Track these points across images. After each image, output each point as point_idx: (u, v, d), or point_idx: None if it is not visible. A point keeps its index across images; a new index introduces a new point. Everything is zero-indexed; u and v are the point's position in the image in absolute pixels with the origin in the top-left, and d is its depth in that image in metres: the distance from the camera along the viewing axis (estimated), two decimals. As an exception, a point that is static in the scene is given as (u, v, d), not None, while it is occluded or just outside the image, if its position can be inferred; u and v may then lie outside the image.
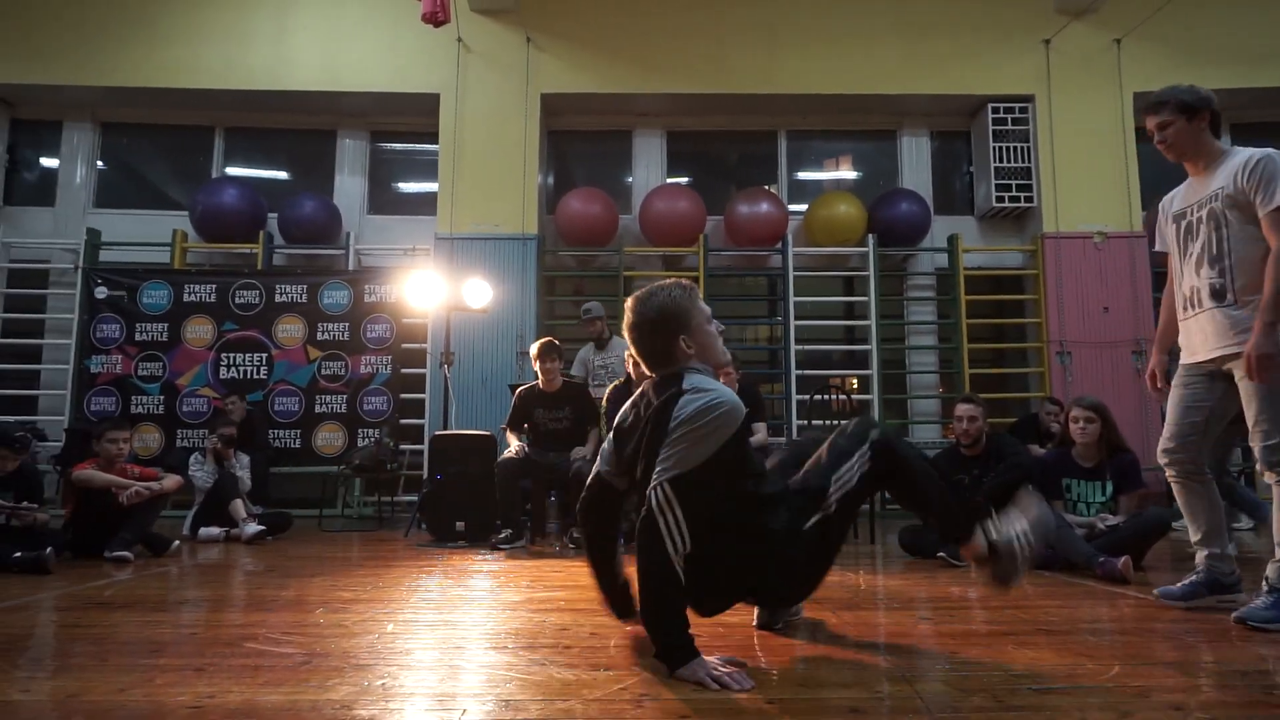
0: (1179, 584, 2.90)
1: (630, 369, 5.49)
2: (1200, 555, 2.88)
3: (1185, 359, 2.91)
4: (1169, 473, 2.90)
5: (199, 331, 7.69)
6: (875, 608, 3.01)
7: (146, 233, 8.51)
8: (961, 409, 4.76)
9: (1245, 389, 2.67)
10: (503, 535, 5.09)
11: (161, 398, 7.57)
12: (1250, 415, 2.67)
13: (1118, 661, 2.13)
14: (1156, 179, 8.70)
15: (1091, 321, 8.14)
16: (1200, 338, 2.81)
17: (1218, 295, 2.74)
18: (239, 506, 5.50)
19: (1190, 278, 2.84)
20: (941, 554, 4.24)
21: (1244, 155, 2.70)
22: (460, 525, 5.43)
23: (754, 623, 2.58)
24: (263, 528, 5.45)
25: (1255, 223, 2.66)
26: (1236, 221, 2.69)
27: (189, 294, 7.74)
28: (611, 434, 2.45)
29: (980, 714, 1.70)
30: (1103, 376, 8.00)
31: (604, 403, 5.53)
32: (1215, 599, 2.82)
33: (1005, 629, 2.58)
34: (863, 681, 1.95)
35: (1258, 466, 2.72)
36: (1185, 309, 2.89)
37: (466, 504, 5.47)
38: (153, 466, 5.40)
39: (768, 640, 2.41)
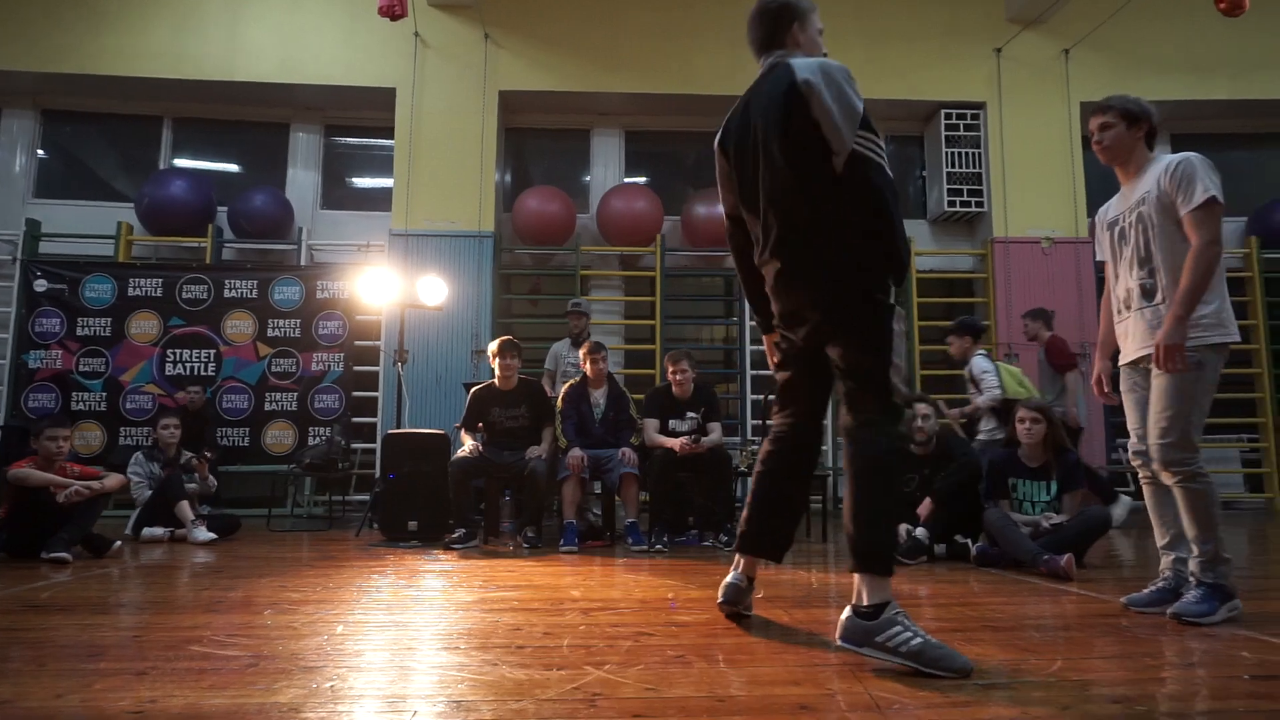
0: (1145, 590, 2.93)
1: (587, 368, 5.49)
2: (1166, 560, 2.94)
3: (1122, 360, 3.00)
4: (1142, 475, 2.97)
5: (144, 327, 7.50)
6: (827, 605, 3.05)
7: (89, 224, 8.27)
8: (918, 407, 4.85)
9: (1155, 385, 2.77)
10: (456, 535, 5.06)
11: (104, 394, 7.37)
12: (1153, 411, 2.77)
13: (1060, 656, 2.18)
14: (1102, 187, 8.95)
15: (1039, 324, 8.31)
16: (1132, 338, 2.92)
17: (1148, 295, 2.84)
18: (185, 509, 5.37)
19: (1125, 280, 2.95)
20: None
21: (1166, 160, 2.81)
22: (413, 525, 5.38)
23: (719, 599, 2.65)
24: (213, 535, 5.32)
25: (1180, 224, 2.76)
26: (1162, 224, 2.79)
27: (134, 288, 7.54)
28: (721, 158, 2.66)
29: (928, 709, 1.73)
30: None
31: (559, 402, 5.52)
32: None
33: (953, 626, 2.63)
34: (814, 679, 1.97)
35: (1154, 465, 2.81)
36: (1120, 311, 2.99)
37: (419, 503, 5.41)
38: (94, 465, 5.26)
39: (720, 638, 2.43)
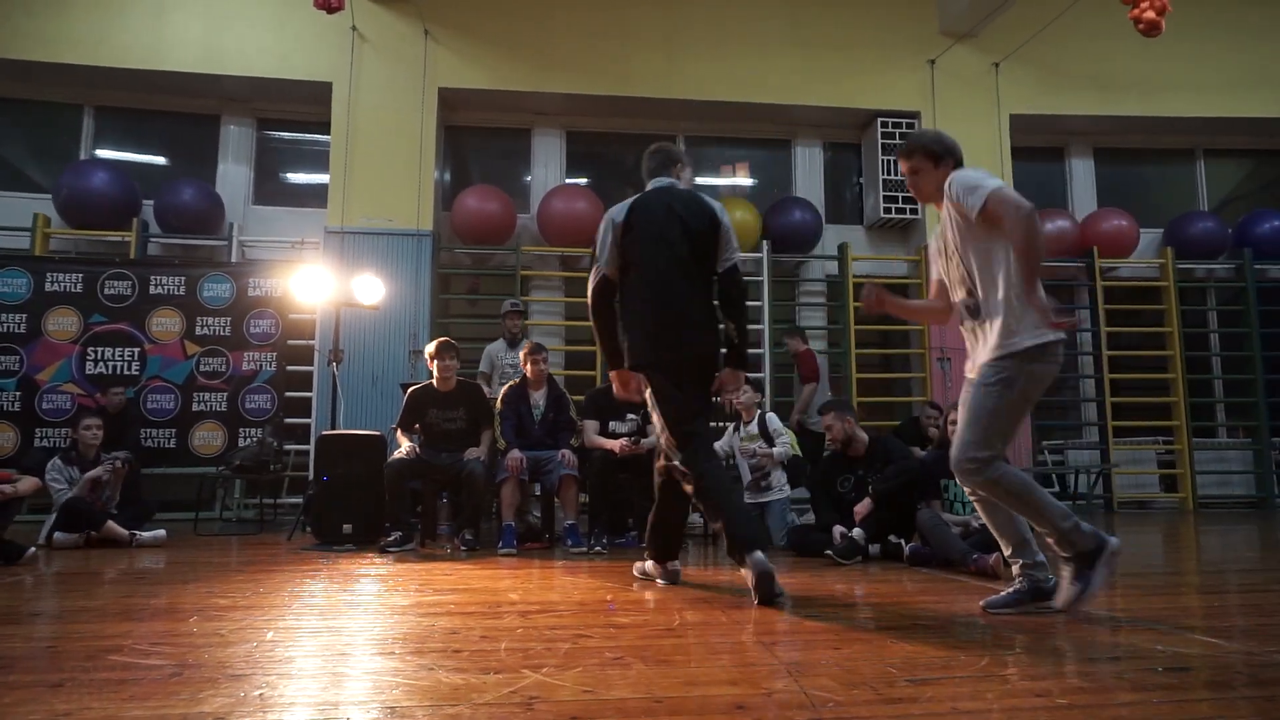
0: (1003, 593, 2.97)
1: (527, 369, 5.45)
2: (1016, 567, 2.97)
3: (967, 373, 3.01)
4: (969, 493, 2.97)
5: (62, 323, 7.19)
6: (765, 606, 3.08)
7: (3, 216, 7.92)
8: (822, 420, 5.09)
9: (962, 397, 2.86)
10: (392, 538, 4.97)
11: (18, 394, 7.04)
12: (959, 422, 2.84)
13: (987, 653, 2.24)
14: (1030, 197, 9.25)
15: (969, 329, 8.56)
16: (970, 354, 2.95)
17: (973, 313, 2.88)
18: (114, 528, 5.15)
19: (957, 302, 2.97)
20: (828, 552, 4.37)
21: (956, 176, 2.84)
22: (347, 528, 5.27)
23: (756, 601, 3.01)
24: (161, 531, 5.21)
25: (979, 237, 2.79)
26: (967, 243, 2.84)
27: (51, 283, 7.22)
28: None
29: (862, 706, 1.76)
30: (978, 382, 8.42)
31: (499, 403, 5.47)
32: (1035, 605, 2.87)
33: (886, 624, 2.68)
34: (750, 678, 1.99)
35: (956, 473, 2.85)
36: (970, 334, 2.99)
37: (354, 506, 5.30)
38: (7, 468, 5.03)
39: (658, 639, 2.43)
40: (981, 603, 2.95)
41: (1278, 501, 8.83)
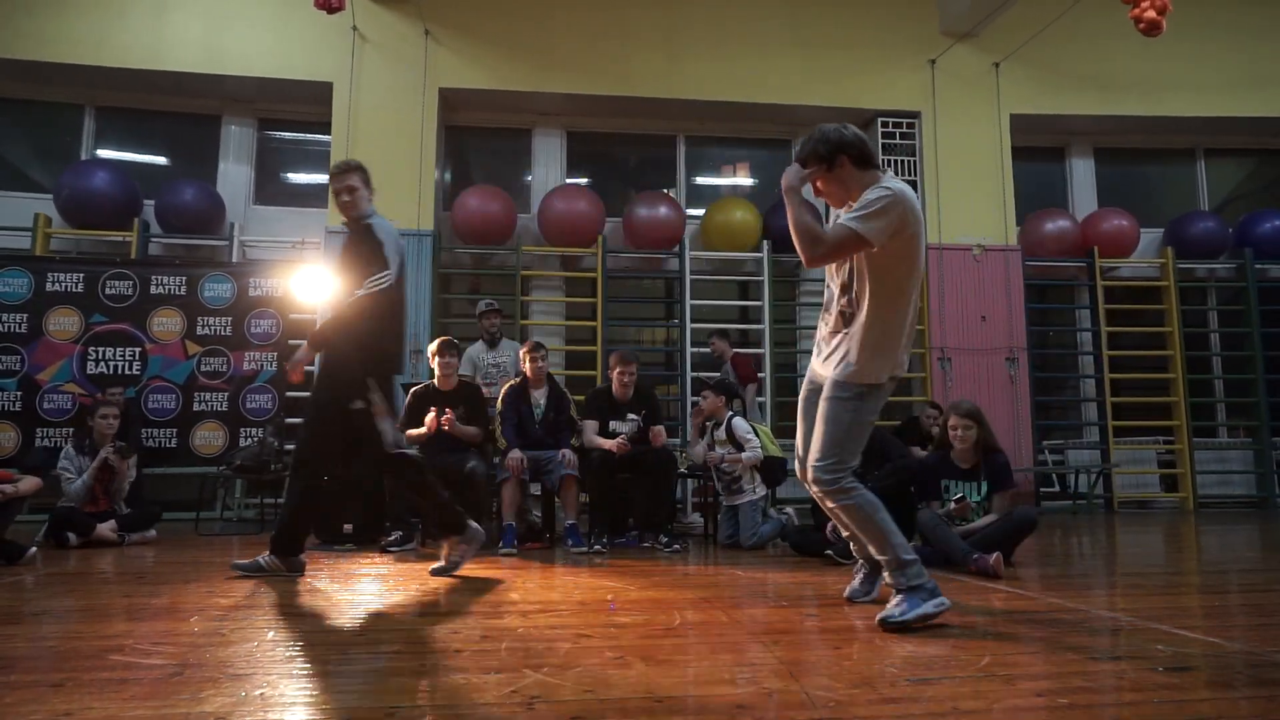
0: (854, 582, 3.11)
1: (526, 368, 5.45)
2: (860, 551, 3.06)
3: (809, 374, 2.97)
4: (812, 492, 2.91)
5: (63, 323, 7.18)
6: (764, 605, 3.08)
7: (4, 216, 7.91)
8: None
9: (820, 408, 2.78)
10: (392, 538, 4.97)
11: (19, 394, 7.03)
12: (815, 434, 2.78)
13: (988, 652, 2.24)
14: (1031, 197, 9.27)
15: (970, 329, 8.57)
16: (825, 358, 2.86)
17: (846, 321, 2.77)
18: (104, 531, 5.16)
19: (835, 303, 2.86)
20: (828, 552, 4.37)
21: (868, 192, 2.65)
22: (348, 528, 5.27)
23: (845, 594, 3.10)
24: (152, 532, 5.25)
25: (876, 256, 2.64)
26: (866, 254, 2.68)
27: (52, 283, 7.22)
28: None
29: (862, 706, 1.76)
30: (980, 382, 8.43)
31: (499, 402, 5.47)
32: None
33: (886, 623, 2.68)
34: (750, 678, 1.99)
35: (809, 482, 2.82)
36: (822, 324, 2.93)
37: (355, 506, 5.30)
38: (8, 467, 5.03)
39: (658, 639, 2.44)
40: (845, 593, 3.08)
41: (1278, 501, 8.82)
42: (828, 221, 2.86)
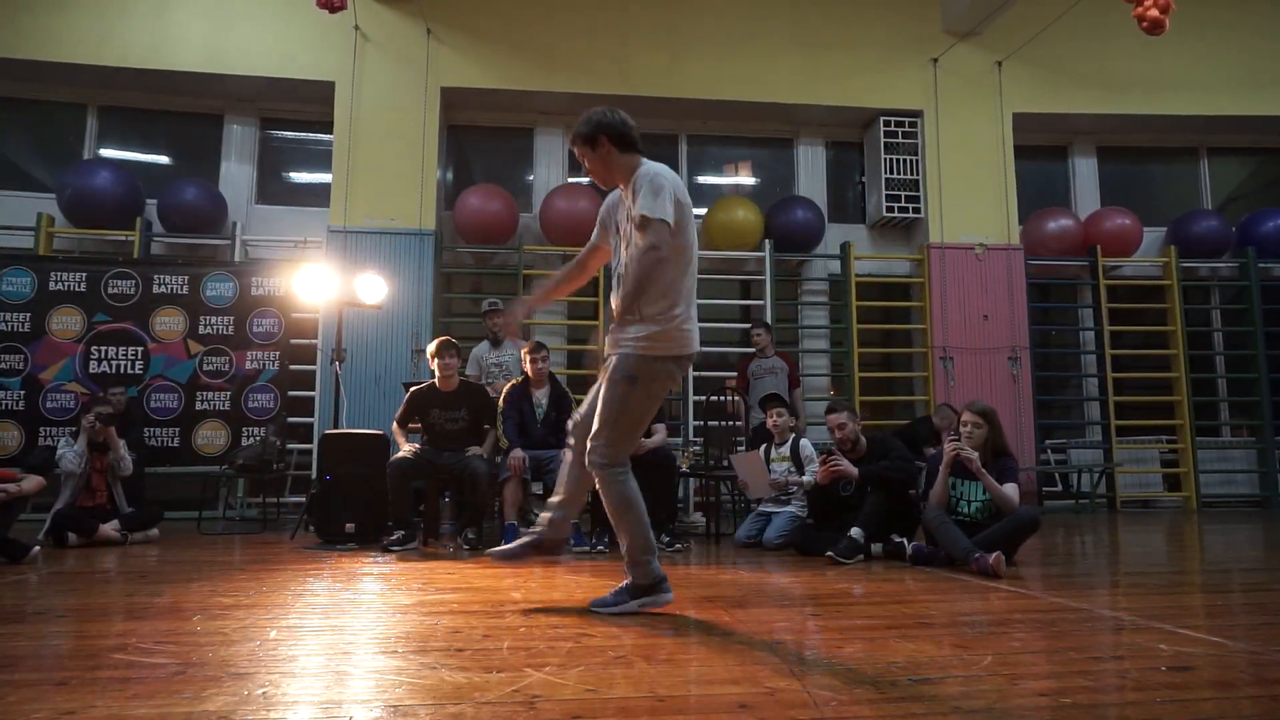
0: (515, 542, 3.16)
1: (528, 367, 5.45)
2: (544, 516, 3.10)
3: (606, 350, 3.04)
4: (572, 444, 3.04)
5: (66, 323, 7.19)
6: (766, 605, 3.08)
7: (7, 215, 7.93)
8: (830, 420, 5.00)
9: (602, 388, 2.89)
10: (394, 537, 4.97)
11: (22, 393, 7.04)
12: (598, 412, 2.88)
13: (990, 652, 2.24)
14: (1033, 196, 9.26)
15: (972, 329, 8.56)
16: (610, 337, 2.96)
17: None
18: (106, 531, 5.15)
19: (616, 288, 2.96)
20: (830, 553, 4.37)
21: (636, 176, 2.79)
22: (350, 527, 5.27)
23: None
24: (154, 532, 5.24)
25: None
26: (635, 239, 2.78)
27: (55, 282, 7.22)
28: None
29: (864, 705, 1.76)
30: (982, 381, 8.43)
31: (501, 402, 5.47)
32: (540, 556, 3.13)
33: (888, 623, 2.68)
34: (752, 678, 1.99)
35: (586, 456, 2.89)
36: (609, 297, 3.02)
37: (357, 505, 5.30)
38: (11, 467, 5.03)
39: (660, 638, 2.43)
40: (591, 603, 2.95)
41: (1281, 501, 8.81)
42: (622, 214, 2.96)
